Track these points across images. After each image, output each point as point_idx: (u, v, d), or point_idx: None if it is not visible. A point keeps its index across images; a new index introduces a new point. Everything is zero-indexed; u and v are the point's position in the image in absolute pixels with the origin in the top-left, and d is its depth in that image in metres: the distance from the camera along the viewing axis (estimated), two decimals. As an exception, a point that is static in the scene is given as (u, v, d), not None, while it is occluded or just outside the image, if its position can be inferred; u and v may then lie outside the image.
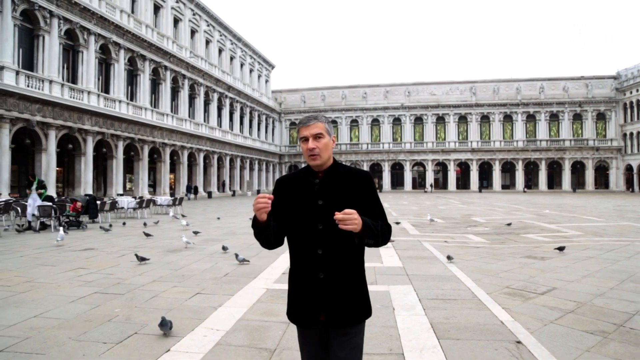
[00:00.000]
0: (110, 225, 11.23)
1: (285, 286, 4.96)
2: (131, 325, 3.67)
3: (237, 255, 6.45)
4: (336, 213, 1.54)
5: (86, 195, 14.66)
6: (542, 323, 3.66)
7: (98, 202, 12.69)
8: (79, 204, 11.33)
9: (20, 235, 9.93)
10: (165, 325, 3.37)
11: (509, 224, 12.11)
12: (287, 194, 1.75)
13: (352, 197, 1.69)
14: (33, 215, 10.55)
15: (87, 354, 3.06)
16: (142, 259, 6.39)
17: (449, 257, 6.45)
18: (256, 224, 1.66)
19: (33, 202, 10.54)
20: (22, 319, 3.83)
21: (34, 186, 11.00)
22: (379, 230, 1.65)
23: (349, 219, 1.52)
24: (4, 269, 6.08)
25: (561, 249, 7.26)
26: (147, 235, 9.54)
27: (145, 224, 11.83)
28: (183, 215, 13.44)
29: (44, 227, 10.69)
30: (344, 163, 1.78)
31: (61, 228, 9.29)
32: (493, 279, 5.32)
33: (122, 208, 15.12)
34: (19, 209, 11.23)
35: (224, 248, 7.43)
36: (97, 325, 3.67)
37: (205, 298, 4.53)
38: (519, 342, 3.23)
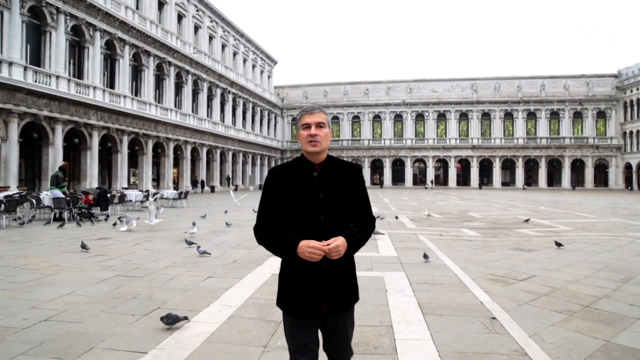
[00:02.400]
0: (124, 220, 10.91)
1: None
2: (154, 301, 4.15)
3: (198, 247, 6.58)
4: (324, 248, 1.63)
5: (97, 188, 15.16)
6: (517, 304, 4.13)
7: (108, 195, 13.18)
8: (90, 197, 11.84)
9: (36, 226, 10.44)
10: (169, 318, 3.32)
11: (527, 220, 12.26)
12: (284, 185, 1.76)
13: (347, 189, 1.79)
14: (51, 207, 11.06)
15: (119, 323, 3.54)
16: (83, 247, 6.82)
17: (425, 256, 6.10)
18: (293, 255, 1.67)
19: (51, 195, 11.02)
20: (57, 295, 4.32)
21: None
22: (363, 238, 1.77)
23: (335, 253, 1.64)
24: (29, 255, 6.59)
25: (559, 244, 7.51)
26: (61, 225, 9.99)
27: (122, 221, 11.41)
28: (119, 219, 10.60)
29: (59, 218, 11.19)
30: (344, 159, 2.02)
31: (130, 218, 9.41)
32: (479, 268, 5.79)
33: (130, 201, 15.64)
34: (34, 201, 11.75)
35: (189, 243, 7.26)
36: (124, 301, 4.15)
37: (217, 281, 5.02)
38: (493, 318, 3.70)
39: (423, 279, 5.10)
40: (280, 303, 1.80)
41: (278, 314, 3.80)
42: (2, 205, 9.85)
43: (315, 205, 1.73)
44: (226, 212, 14.81)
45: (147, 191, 18.21)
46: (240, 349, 3.03)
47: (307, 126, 1.77)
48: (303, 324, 1.74)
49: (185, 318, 3.47)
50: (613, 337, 3.26)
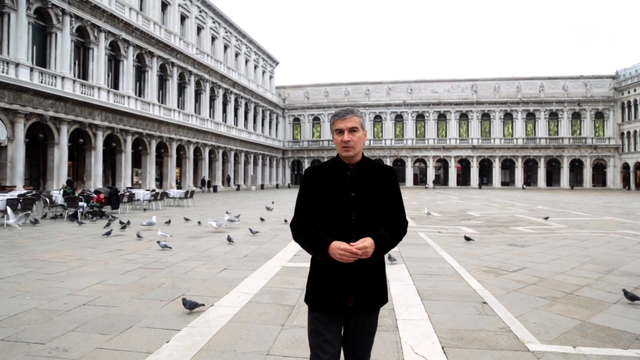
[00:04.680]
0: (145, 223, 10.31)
1: (297, 265, 5.90)
2: (177, 290, 4.57)
3: (159, 242, 7.14)
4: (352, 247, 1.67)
5: (108, 187, 15.60)
6: (507, 291, 4.56)
7: (119, 194, 13.60)
8: (102, 196, 12.26)
9: (52, 223, 10.88)
10: (184, 304, 3.69)
11: (547, 218, 12.69)
12: (319, 185, 1.83)
13: (379, 190, 1.81)
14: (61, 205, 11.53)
15: (151, 307, 3.96)
16: (108, 234, 8.19)
17: (390, 258, 5.84)
18: (324, 255, 1.72)
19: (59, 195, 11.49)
20: (88, 284, 4.74)
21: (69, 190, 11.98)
22: (391, 241, 1.77)
23: (363, 253, 1.67)
24: (53, 249, 7.01)
25: (468, 239, 8.05)
26: None
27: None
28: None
29: (75, 216, 11.66)
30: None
31: (154, 216, 10.06)
32: (474, 261, 6.22)
33: (138, 200, 16.08)
34: (47, 199, 12.18)
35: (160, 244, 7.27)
36: (150, 289, 4.58)
37: (232, 272, 5.45)
38: (484, 302, 4.13)
39: (422, 271, 5.52)
40: (308, 299, 1.83)
41: (292, 299, 4.23)
42: (19, 204, 10.27)
43: (347, 203, 1.76)
44: (228, 212, 15.23)
45: (154, 190, 18.65)
46: (261, 327, 3.46)
47: (340, 131, 1.80)
48: (328, 321, 1.76)
49: (202, 304, 3.82)
50: (589, 318, 3.69)
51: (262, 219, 11.97)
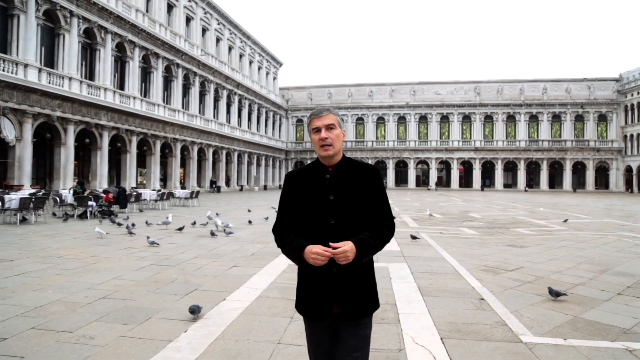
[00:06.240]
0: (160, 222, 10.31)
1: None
2: (190, 285, 4.81)
3: (148, 238, 7.55)
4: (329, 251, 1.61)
5: (117, 187, 15.94)
6: (504, 288, 4.77)
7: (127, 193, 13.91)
8: (111, 195, 12.55)
9: (62, 222, 11.15)
10: (194, 312, 3.58)
11: (566, 220, 12.70)
12: (298, 189, 1.79)
13: (361, 192, 1.74)
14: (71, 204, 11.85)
15: (166, 300, 4.20)
16: (130, 232, 8.63)
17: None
18: (300, 260, 1.70)
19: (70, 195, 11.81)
20: (105, 280, 4.99)
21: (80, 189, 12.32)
22: (375, 244, 1.71)
23: (342, 257, 1.61)
24: (67, 247, 7.28)
25: (414, 237, 8.36)
26: None
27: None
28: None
29: (84, 215, 11.98)
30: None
31: (170, 215, 10.50)
32: (474, 260, 6.43)
33: (145, 200, 16.38)
34: (57, 198, 12.47)
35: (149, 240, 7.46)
36: (164, 285, 4.82)
37: (241, 269, 5.68)
38: (482, 298, 4.34)
39: (423, 269, 5.74)
40: (296, 305, 1.84)
41: (298, 294, 4.46)
42: (32, 203, 10.56)
43: (325, 207, 1.72)
44: (217, 214, 15.37)
45: (160, 190, 18.95)
46: (271, 319, 3.69)
47: (317, 130, 1.75)
48: (316, 327, 1.77)
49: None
50: (580, 314, 3.90)
51: (250, 222, 11.89)
